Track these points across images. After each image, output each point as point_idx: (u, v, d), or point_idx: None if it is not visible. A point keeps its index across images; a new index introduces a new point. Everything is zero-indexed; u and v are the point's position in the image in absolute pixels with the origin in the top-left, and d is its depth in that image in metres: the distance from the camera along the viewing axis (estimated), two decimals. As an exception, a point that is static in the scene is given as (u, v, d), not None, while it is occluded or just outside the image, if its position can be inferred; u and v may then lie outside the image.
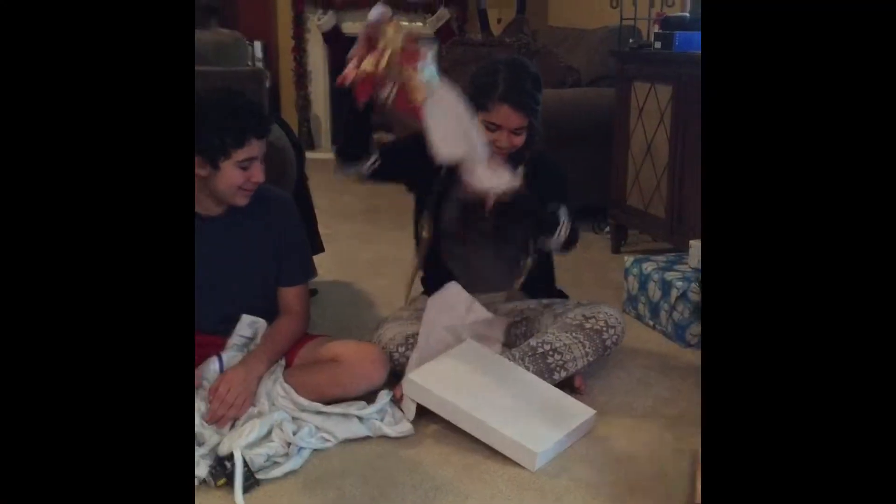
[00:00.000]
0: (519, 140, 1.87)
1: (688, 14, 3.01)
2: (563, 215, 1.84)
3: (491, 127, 1.85)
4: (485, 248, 2.02)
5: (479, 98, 1.84)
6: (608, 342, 1.92)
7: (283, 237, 1.87)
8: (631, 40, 3.08)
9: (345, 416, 1.72)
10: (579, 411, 1.77)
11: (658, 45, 2.81)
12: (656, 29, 2.89)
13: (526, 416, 1.71)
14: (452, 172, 1.93)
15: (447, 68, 4.05)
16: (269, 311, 1.88)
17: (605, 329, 1.91)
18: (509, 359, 1.87)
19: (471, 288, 2.05)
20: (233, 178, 1.73)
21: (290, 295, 1.89)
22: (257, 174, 1.74)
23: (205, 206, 1.80)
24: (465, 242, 2.01)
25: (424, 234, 2.00)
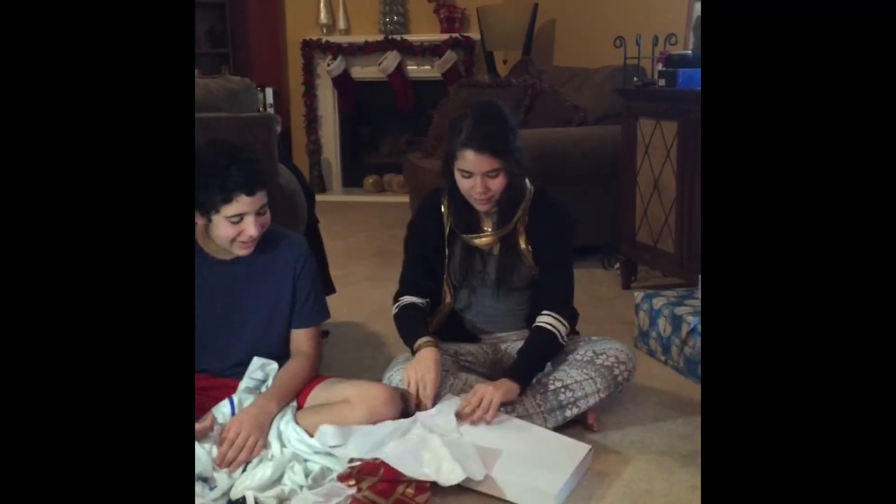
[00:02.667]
0: (496, 183, 1.86)
1: (690, 52, 3.04)
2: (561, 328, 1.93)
3: (465, 174, 1.86)
4: (489, 296, 2.03)
5: (450, 147, 1.87)
6: (619, 378, 1.91)
7: (297, 280, 1.88)
8: (635, 78, 3.11)
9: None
10: (576, 448, 1.75)
11: (662, 82, 2.84)
12: (660, 67, 2.92)
13: (528, 460, 1.68)
14: (453, 234, 1.96)
15: (455, 110, 4.11)
16: (282, 353, 1.89)
17: (615, 365, 1.91)
18: (521, 396, 1.87)
19: (479, 330, 2.07)
20: (224, 231, 1.73)
21: (302, 337, 1.90)
22: (249, 229, 1.73)
23: (216, 250, 1.82)
24: (471, 291, 2.03)
25: (447, 299, 2.01)
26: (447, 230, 1.98)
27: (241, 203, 1.70)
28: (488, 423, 1.77)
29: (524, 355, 1.91)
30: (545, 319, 1.93)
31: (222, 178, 1.68)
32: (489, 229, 1.98)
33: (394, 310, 2.02)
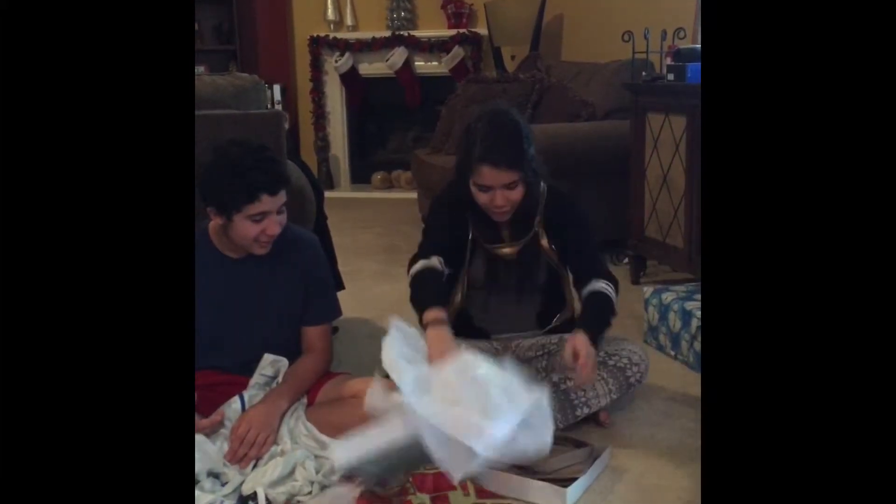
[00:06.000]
0: (516, 195, 1.81)
1: (699, 46, 3.03)
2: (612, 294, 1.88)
3: (482, 188, 1.81)
4: (507, 298, 2.01)
5: (464, 162, 1.82)
6: (632, 379, 1.91)
7: (309, 277, 1.88)
8: (644, 73, 3.10)
9: (367, 453, 1.72)
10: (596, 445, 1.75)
11: (671, 76, 2.83)
12: (668, 61, 2.91)
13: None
14: (475, 242, 1.95)
15: (463, 106, 4.12)
16: (293, 350, 1.89)
17: (628, 366, 1.90)
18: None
19: (493, 329, 2.06)
20: (245, 230, 1.73)
21: (314, 334, 1.91)
22: (271, 227, 1.73)
23: (230, 248, 1.82)
24: (489, 293, 2.01)
25: (458, 300, 1.99)
26: (470, 234, 1.95)
27: (264, 202, 1.70)
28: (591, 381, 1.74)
29: (590, 311, 1.85)
30: (597, 285, 1.87)
31: (247, 178, 1.68)
32: (507, 237, 1.95)
33: (411, 273, 1.90)
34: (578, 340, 1.72)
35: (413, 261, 1.92)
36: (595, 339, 1.77)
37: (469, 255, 1.96)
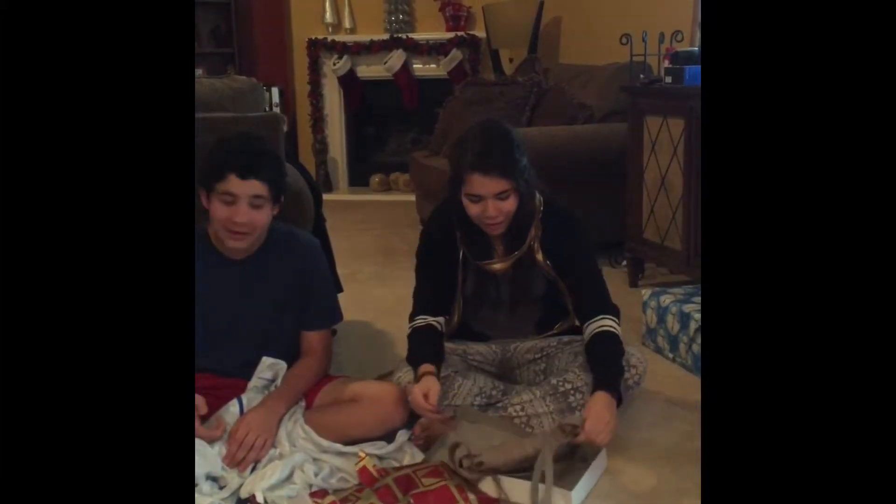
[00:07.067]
0: (508, 205, 1.79)
1: (697, 48, 3.03)
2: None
3: (473, 198, 1.78)
4: (502, 307, 2.01)
5: (456, 171, 1.81)
6: (630, 382, 1.91)
7: (310, 282, 1.88)
8: (641, 75, 3.10)
9: (365, 456, 1.72)
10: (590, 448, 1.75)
11: (669, 79, 2.84)
12: (666, 64, 2.91)
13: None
14: (466, 259, 1.95)
15: (461, 109, 4.12)
16: (292, 354, 1.89)
17: (626, 369, 1.90)
18: (531, 397, 1.87)
19: (489, 335, 2.06)
20: (216, 212, 1.73)
21: (313, 338, 1.91)
22: (238, 214, 1.71)
23: (229, 249, 1.82)
24: (484, 306, 2.01)
25: (455, 318, 1.99)
26: (461, 255, 1.94)
27: (232, 183, 1.70)
28: (604, 443, 1.70)
29: (604, 363, 1.83)
30: (604, 323, 1.87)
31: (221, 154, 1.71)
32: (500, 251, 1.93)
33: (408, 329, 1.95)
34: (603, 414, 1.71)
35: (411, 316, 1.97)
36: (619, 394, 1.82)
37: (462, 272, 1.95)
